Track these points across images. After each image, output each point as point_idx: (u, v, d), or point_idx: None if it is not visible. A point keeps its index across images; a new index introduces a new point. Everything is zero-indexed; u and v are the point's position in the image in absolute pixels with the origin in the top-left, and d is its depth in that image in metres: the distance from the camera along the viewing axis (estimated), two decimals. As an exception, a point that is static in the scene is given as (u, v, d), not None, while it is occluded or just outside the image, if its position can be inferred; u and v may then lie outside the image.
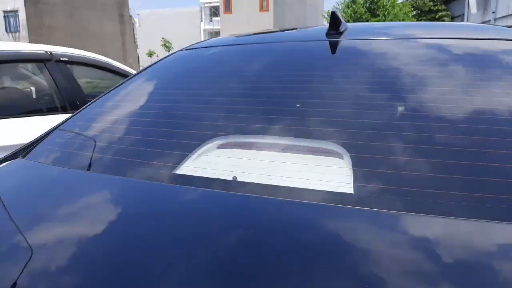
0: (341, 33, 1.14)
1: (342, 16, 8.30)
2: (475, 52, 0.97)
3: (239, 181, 0.64)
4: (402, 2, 15.23)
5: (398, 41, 1.10)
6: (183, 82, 1.10)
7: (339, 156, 0.68)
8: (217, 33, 42.99)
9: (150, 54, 45.35)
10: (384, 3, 14.75)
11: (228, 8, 29.26)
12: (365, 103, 0.84)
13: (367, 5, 15.25)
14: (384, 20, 14.11)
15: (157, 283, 0.44)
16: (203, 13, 50.24)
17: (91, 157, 0.82)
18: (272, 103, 0.89)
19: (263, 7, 27.90)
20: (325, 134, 0.75)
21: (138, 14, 53.77)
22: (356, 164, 0.66)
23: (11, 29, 31.70)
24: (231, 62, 1.14)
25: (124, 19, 42.61)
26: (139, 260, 0.50)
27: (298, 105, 0.86)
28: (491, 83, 0.84)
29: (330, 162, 0.68)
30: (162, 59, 1.27)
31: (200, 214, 0.58)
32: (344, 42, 1.11)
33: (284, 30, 1.46)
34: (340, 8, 15.53)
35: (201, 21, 49.82)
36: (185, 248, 0.50)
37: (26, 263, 0.51)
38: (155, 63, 1.26)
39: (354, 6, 14.87)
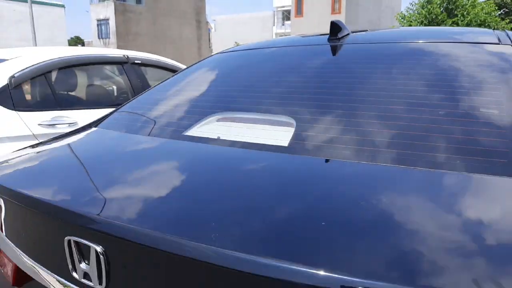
0: (339, 39, 1.39)
1: (416, 17, 8.06)
2: (435, 52, 1.18)
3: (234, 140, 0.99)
4: (484, 1, 14.22)
5: (379, 45, 1.32)
6: (210, 76, 1.44)
7: (290, 125, 0.99)
8: (288, 37, 43.11)
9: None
10: (464, 3, 13.91)
11: (299, 11, 29.51)
12: (320, 91, 1.14)
13: (445, 5, 14.47)
14: (462, 21, 13.34)
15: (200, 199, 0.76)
16: (275, 17, 51.04)
17: (147, 126, 1.21)
18: (262, 92, 1.20)
19: (335, 10, 27.69)
20: (286, 111, 1.08)
21: (214, 20, 56.09)
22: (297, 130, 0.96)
23: (102, 35, 35.17)
24: (248, 62, 1.46)
25: (201, 25, 44.90)
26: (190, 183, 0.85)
27: (278, 94, 1.17)
28: (443, 79, 1.04)
29: (284, 128, 1.00)
30: (203, 60, 1.61)
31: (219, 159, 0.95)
32: (337, 46, 1.36)
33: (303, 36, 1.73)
34: (414, 8, 14.93)
35: (274, 25, 50.62)
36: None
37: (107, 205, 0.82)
38: (196, 63, 1.61)
39: (429, 7, 14.21)
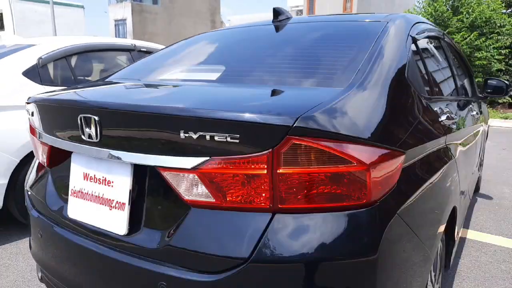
0: (280, 21, 1.91)
1: (423, 15, 8.49)
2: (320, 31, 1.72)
3: None
4: (491, -1, 14.37)
5: (298, 24, 1.85)
6: (187, 50, 1.98)
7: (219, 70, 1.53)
8: (301, 36, 43.33)
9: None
10: (469, 0, 14.13)
11: (311, 10, 29.87)
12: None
13: (450, 2, 14.69)
14: (467, 18, 13.55)
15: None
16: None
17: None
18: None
19: (346, 8, 27.97)
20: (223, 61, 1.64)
21: (229, 20, 56.63)
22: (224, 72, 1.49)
23: (120, 35, 36.09)
24: (214, 38, 2.00)
25: (215, 25, 45.50)
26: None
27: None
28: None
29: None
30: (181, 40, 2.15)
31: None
32: (280, 25, 1.88)
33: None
34: (421, 6, 15.16)
35: (288, 24, 50.80)
36: None
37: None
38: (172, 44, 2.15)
39: (435, 4, 14.44)
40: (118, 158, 1.13)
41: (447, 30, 13.68)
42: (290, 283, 0.94)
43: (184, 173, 1.02)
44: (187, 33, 37.94)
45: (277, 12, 1.95)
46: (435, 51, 2.12)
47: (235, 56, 1.70)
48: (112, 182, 1.17)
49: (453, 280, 2.24)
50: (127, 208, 1.13)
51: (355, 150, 0.96)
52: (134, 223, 1.14)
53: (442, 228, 1.41)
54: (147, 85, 1.51)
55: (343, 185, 0.95)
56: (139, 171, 1.13)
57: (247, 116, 0.94)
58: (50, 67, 3.07)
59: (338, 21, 1.83)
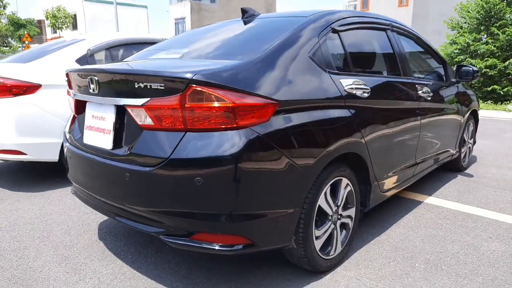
0: (246, 17, 2.57)
1: (473, 7, 8.70)
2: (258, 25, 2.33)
3: None
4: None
5: (256, 20, 2.49)
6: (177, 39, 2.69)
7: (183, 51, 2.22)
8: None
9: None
10: (528, -10, 13.53)
11: (365, 4, 29.57)
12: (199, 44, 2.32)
13: (505, -7, 14.15)
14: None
15: None
16: (347, 11, 50.50)
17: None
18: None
19: (402, 2, 27.35)
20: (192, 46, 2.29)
21: (286, 16, 56.92)
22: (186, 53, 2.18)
23: (179, 33, 38.11)
24: (197, 30, 2.70)
25: (271, 21, 46.15)
26: None
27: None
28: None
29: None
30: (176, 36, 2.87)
31: None
32: (243, 20, 2.53)
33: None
34: None
35: (345, 19, 50.07)
36: None
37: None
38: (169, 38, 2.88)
39: (486, -4, 13.99)
40: (107, 102, 1.88)
41: (499, 23, 13.23)
42: (190, 171, 1.62)
43: (137, 109, 1.73)
44: (243, 30, 38.78)
45: (244, 11, 2.61)
46: (367, 39, 2.66)
47: (197, 43, 2.40)
48: (105, 118, 1.92)
49: (390, 226, 2.76)
50: (112, 133, 1.88)
51: (230, 95, 1.61)
52: (116, 142, 1.88)
53: (321, 161, 1.90)
54: (133, 61, 2.26)
55: (223, 115, 1.61)
56: (119, 110, 1.87)
57: (169, 73, 1.64)
58: (96, 56, 3.96)
59: (281, 16, 2.44)
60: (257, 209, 1.71)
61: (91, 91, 1.97)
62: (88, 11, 34.79)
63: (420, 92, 2.88)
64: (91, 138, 2.02)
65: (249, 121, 1.65)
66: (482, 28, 13.80)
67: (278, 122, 1.74)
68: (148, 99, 1.70)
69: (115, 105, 1.86)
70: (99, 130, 1.96)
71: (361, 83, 2.27)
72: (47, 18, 29.49)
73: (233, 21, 2.66)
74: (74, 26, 35.88)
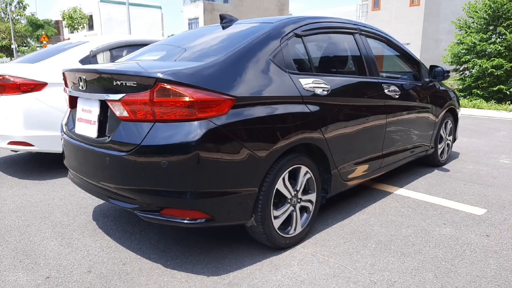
0: (224, 23, 2.87)
1: (481, 6, 8.90)
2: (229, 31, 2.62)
3: None
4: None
5: (225, 25, 2.78)
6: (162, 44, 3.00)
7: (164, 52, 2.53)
8: (369, 31, 42.44)
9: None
10: (537, -10, 13.50)
11: (376, 4, 29.53)
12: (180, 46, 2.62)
13: (512, -7, 14.11)
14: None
15: None
16: (360, 10, 50.44)
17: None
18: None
19: (413, 2, 27.24)
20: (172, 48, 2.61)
21: (299, 16, 57.03)
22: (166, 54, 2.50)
23: (192, 33, 38.52)
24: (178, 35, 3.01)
25: (283, 21, 46.34)
26: None
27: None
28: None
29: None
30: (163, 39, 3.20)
31: None
32: (221, 26, 2.84)
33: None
34: (479, -1, 14.67)
35: (358, 18, 50.07)
36: None
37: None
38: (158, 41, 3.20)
39: (494, -5, 13.97)
40: (93, 97, 2.21)
41: (506, 23, 13.22)
42: (157, 155, 1.93)
43: (116, 103, 2.05)
44: (255, 30, 38.98)
45: (222, 17, 2.92)
46: (331, 42, 2.94)
47: (176, 46, 2.71)
48: (91, 111, 2.25)
49: (355, 213, 3.02)
50: (96, 124, 2.21)
51: (191, 91, 1.92)
52: (100, 131, 2.21)
53: (276, 150, 2.17)
54: (119, 62, 2.58)
55: (185, 109, 1.92)
56: (102, 104, 2.19)
57: (141, 72, 1.96)
58: (99, 57, 4.32)
59: (253, 23, 2.73)
60: (215, 188, 2.01)
61: (80, 88, 2.30)
62: (104, 12, 35.65)
63: (386, 91, 3.13)
64: (81, 128, 2.36)
65: (208, 113, 1.95)
66: (490, 28, 13.81)
67: (236, 115, 2.04)
68: (124, 94, 2.01)
69: (99, 100, 2.19)
70: (87, 121, 2.29)
71: (321, 82, 2.54)
72: (63, 19, 30.39)
73: (212, 27, 2.96)
74: (90, 27, 36.81)
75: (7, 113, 3.76)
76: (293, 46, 2.53)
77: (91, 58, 4.21)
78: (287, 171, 2.35)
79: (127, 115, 2.03)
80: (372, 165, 3.13)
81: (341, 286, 2.06)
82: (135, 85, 1.98)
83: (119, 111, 2.06)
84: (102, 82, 2.16)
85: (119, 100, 2.04)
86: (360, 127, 2.85)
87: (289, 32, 2.51)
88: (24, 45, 34.96)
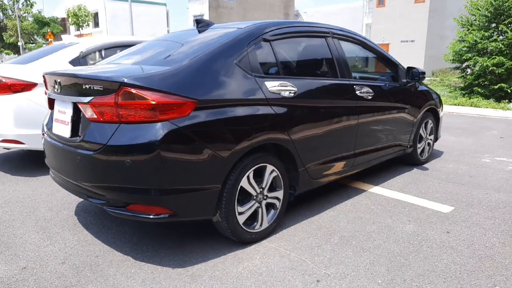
0: (200, 27, 3.00)
1: (482, 5, 8.97)
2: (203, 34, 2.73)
3: None
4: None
5: (201, 29, 2.90)
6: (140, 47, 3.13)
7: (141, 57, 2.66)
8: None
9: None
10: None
11: (381, 1, 29.41)
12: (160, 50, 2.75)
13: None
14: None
15: None
16: (367, 7, 50.18)
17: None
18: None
19: (418, -1, 27.08)
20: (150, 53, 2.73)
21: (305, 12, 56.96)
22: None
23: (196, 30, 38.71)
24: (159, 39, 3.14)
25: (288, 17, 46.34)
26: None
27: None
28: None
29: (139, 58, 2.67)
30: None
31: None
32: (195, 29, 2.96)
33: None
34: (481, -4, 14.58)
35: (365, 15, 49.82)
36: None
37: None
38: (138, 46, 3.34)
39: (496, -7, 13.90)
40: (66, 99, 2.35)
41: (507, 21, 13.17)
42: (122, 155, 2.07)
43: (85, 105, 2.20)
44: (260, 27, 38.96)
45: (197, 22, 3.04)
46: (301, 46, 3.06)
47: (150, 50, 2.84)
48: (65, 112, 2.40)
49: (325, 210, 3.14)
50: (70, 124, 2.35)
51: (153, 95, 2.05)
52: (73, 131, 2.35)
53: (239, 150, 2.29)
54: (95, 65, 2.73)
55: (147, 111, 2.05)
56: (74, 106, 2.34)
57: (106, 77, 2.10)
58: (88, 58, 4.47)
59: (224, 27, 2.85)
60: (178, 185, 2.15)
61: (56, 90, 2.45)
62: (109, 9, 35.95)
63: (358, 92, 3.23)
64: (57, 128, 2.50)
65: (169, 115, 2.08)
66: (492, 25, 13.76)
67: (198, 117, 2.17)
68: (93, 97, 2.15)
69: (72, 102, 2.33)
70: (62, 122, 2.44)
71: (288, 84, 2.66)
72: (68, 17, 30.73)
73: (188, 31, 3.09)
74: (96, 24, 37.14)
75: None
76: (260, 50, 2.65)
77: (81, 59, 4.36)
78: (251, 169, 2.47)
79: (95, 116, 2.17)
80: (344, 164, 3.25)
81: (296, 277, 2.19)
82: (102, 88, 2.12)
83: (88, 112, 2.20)
84: (74, 86, 2.31)
85: (88, 103, 2.17)
86: (329, 128, 2.96)
87: (256, 37, 2.63)
88: (31, 42, 35.40)
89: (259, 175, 2.57)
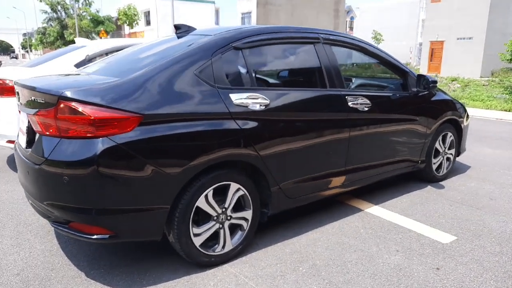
0: (178, 33, 2.85)
1: None
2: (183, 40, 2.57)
3: None
4: None
5: (180, 35, 2.75)
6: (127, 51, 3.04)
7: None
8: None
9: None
10: None
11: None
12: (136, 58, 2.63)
13: None
14: None
15: None
16: (424, 2, 47.58)
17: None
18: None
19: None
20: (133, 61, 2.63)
21: (358, 8, 55.23)
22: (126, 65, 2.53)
23: (243, 27, 38.97)
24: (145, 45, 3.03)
25: (338, 14, 45.13)
26: None
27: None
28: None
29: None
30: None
31: None
32: (175, 36, 2.82)
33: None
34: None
35: (422, 10, 47.32)
36: None
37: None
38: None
39: None
40: (22, 109, 2.31)
41: None
42: (59, 171, 1.98)
43: (32, 117, 2.14)
44: (309, 24, 38.61)
45: (176, 27, 2.90)
46: (281, 54, 2.81)
47: (120, 59, 2.73)
48: (24, 122, 2.36)
49: (308, 231, 2.89)
50: (25, 135, 2.31)
51: (90, 109, 1.94)
52: (28, 143, 2.31)
53: (192, 168, 2.13)
54: (57, 75, 2.67)
55: (85, 126, 1.94)
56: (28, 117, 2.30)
57: (46, 90, 2.02)
58: (95, 61, 4.50)
59: (196, 34, 2.68)
60: (118, 205, 2.03)
61: (18, 102, 2.42)
62: (160, 7, 37.06)
63: (351, 103, 2.93)
64: (20, 138, 2.48)
65: (108, 131, 1.96)
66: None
67: (143, 133, 2.03)
68: (37, 109, 2.09)
69: (26, 113, 2.29)
70: (22, 132, 2.41)
71: (258, 96, 2.45)
72: (119, 16, 32.09)
73: (168, 38, 2.95)
74: (148, 23, 38.50)
75: (5, 114, 4.07)
76: (229, 60, 2.46)
77: (87, 62, 4.40)
78: (211, 188, 2.30)
79: (40, 129, 2.10)
80: (332, 181, 2.97)
81: (241, 313, 1.99)
82: (44, 101, 2.04)
83: (35, 124, 2.14)
84: (27, 96, 2.26)
85: (34, 115, 2.11)
86: (309, 143, 2.70)
87: (225, 46, 2.44)
88: (90, 39, 37.44)
89: (222, 194, 2.39)
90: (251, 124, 2.40)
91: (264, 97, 2.47)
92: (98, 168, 1.94)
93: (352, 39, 3.21)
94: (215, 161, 2.27)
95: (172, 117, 2.13)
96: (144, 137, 2.03)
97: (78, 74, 2.65)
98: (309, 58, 2.88)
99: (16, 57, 76.07)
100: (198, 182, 2.24)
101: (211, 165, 2.26)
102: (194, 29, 2.94)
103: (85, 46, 4.58)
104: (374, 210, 3.28)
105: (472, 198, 3.58)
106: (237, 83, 2.48)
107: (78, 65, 4.34)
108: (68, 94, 1.96)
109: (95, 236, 2.07)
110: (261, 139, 2.45)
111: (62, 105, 1.97)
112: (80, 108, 1.94)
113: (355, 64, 4.65)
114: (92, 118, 1.94)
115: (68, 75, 2.69)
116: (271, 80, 2.80)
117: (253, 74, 2.55)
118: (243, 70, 2.52)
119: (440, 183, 4.00)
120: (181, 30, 2.92)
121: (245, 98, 2.39)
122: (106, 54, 4.57)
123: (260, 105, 2.44)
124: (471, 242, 2.74)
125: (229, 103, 2.33)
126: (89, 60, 4.43)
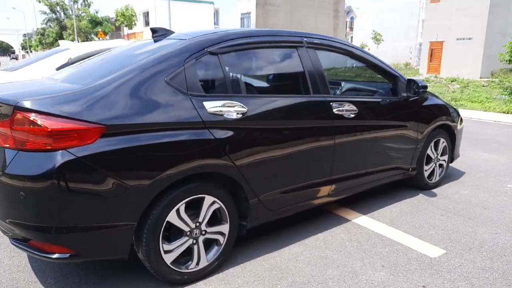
0: (155, 36, 2.71)
1: None
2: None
3: None
4: None
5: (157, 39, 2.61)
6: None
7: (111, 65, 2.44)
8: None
9: (361, 47, 46.39)
10: None
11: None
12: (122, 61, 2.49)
13: None
14: None
15: None
16: (424, 2, 47.41)
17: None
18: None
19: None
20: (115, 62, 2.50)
21: (358, 8, 55.07)
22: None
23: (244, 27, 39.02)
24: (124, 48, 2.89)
25: (338, 14, 44.94)
26: None
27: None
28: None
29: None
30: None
31: None
32: (151, 40, 2.69)
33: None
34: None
35: (422, 10, 47.15)
36: None
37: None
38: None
39: None
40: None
41: None
42: (16, 186, 1.85)
43: (-7, 129, 2.00)
44: (308, 24, 38.45)
45: (153, 31, 2.76)
46: (260, 59, 2.67)
47: (91, 65, 2.60)
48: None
49: (290, 244, 2.75)
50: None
51: (46, 120, 1.81)
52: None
53: (160, 181, 2.01)
54: (25, 82, 2.54)
55: (42, 138, 1.81)
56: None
57: (3, 99, 1.89)
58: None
59: (171, 39, 2.54)
60: (78, 223, 1.90)
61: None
62: (160, 8, 36.93)
63: (335, 110, 2.80)
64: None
65: (67, 143, 1.83)
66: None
67: (106, 145, 1.90)
68: (-3, 121, 1.96)
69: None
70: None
71: (235, 104, 2.32)
72: (117, 16, 31.96)
73: (143, 42, 2.82)
74: (147, 23, 38.36)
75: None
76: (203, 66, 2.33)
77: (69, 65, 4.28)
78: (183, 202, 2.17)
79: (1, 143, 1.97)
80: (316, 191, 2.83)
81: (210, 338, 1.86)
82: (1, 112, 1.91)
83: None
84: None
85: (-7, 126, 1.99)
86: (290, 152, 2.57)
87: (199, 51, 2.31)
88: (88, 40, 37.37)
89: (197, 207, 2.26)
90: (227, 134, 2.27)
91: (241, 104, 2.34)
92: (56, 183, 1.81)
93: (339, 42, 3.08)
94: (187, 173, 2.14)
95: (139, 128, 2.00)
96: (107, 150, 1.90)
97: (43, 81, 2.51)
98: (291, 63, 2.75)
99: (16, 58, 75.84)
100: (169, 196, 2.11)
101: (183, 177, 2.13)
102: (171, 32, 2.81)
103: (68, 49, 4.46)
104: (362, 221, 3.15)
105: (464, 208, 3.45)
106: (213, 91, 2.35)
107: (60, 68, 4.21)
108: (24, 104, 1.83)
109: (55, 256, 1.94)
110: (238, 149, 2.32)
111: (18, 116, 1.84)
112: (37, 119, 1.82)
113: (347, 68, 4.51)
114: (49, 129, 1.81)
115: (32, 82, 2.55)
116: (249, 87, 2.67)
117: (230, 81, 2.42)
118: (219, 77, 2.39)
119: (432, 190, 3.86)
120: (158, 33, 2.78)
121: (221, 106, 2.26)
122: (88, 58, 4.44)
123: (237, 113, 2.31)
124: (461, 256, 2.60)
125: (203, 112, 2.20)
126: (71, 63, 4.30)
